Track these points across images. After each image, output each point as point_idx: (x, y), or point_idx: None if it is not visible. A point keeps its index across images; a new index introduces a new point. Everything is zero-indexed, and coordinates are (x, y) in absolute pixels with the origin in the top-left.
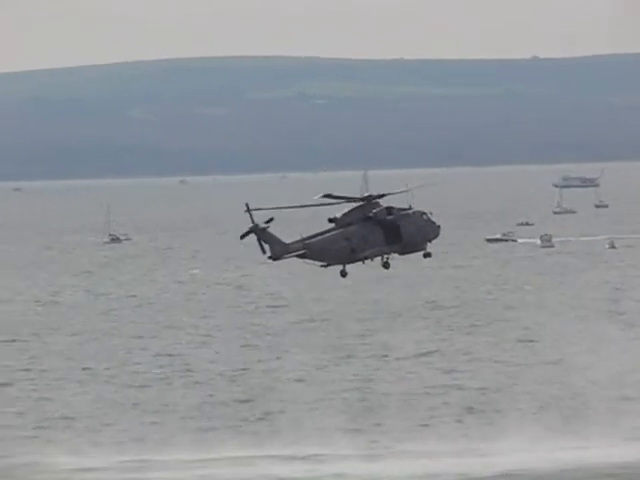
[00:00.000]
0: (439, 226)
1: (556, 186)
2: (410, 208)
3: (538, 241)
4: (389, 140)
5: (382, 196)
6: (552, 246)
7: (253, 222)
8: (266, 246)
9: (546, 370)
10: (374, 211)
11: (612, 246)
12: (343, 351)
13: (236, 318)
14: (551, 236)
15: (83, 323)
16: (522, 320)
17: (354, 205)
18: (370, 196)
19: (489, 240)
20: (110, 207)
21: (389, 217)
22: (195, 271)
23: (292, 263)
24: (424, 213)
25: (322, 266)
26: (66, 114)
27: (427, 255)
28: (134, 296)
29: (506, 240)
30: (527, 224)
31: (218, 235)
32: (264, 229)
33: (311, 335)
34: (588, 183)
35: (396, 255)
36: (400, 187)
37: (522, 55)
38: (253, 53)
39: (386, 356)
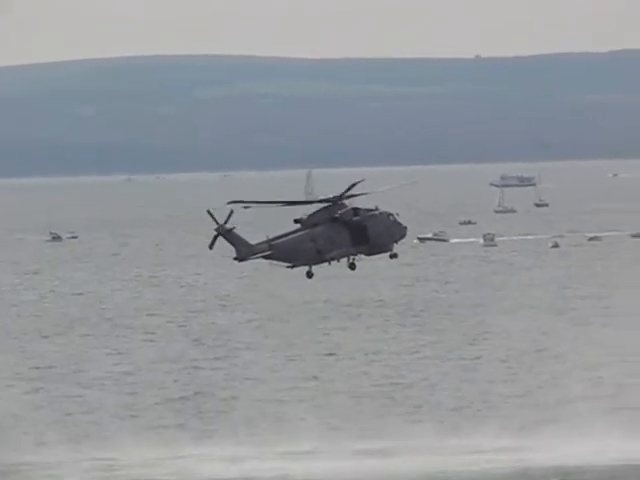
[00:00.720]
0: (405, 227)
1: (495, 185)
2: (376, 209)
3: (481, 240)
4: (337, 139)
5: (352, 196)
6: (495, 245)
7: (217, 223)
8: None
9: (495, 368)
10: (340, 212)
11: (555, 245)
12: (294, 349)
13: (185, 316)
14: (494, 235)
15: (30, 322)
16: (469, 318)
17: (320, 206)
18: (339, 196)
19: (420, 239)
20: (52, 205)
21: (355, 218)
22: (141, 269)
23: (245, 264)
24: (390, 214)
25: (288, 267)
26: (15, 112)
27: (393, 256)
28: (80, 294)
29: (437, 239)
30: (470, 223)
31: (168, 233)
32: (230, 230)
33: (262, 333)
34: (526, 182)
35: (362, 256)
36: (345, 186)
37: (465, 54)
38: (201, 52)
39: (335, 354)
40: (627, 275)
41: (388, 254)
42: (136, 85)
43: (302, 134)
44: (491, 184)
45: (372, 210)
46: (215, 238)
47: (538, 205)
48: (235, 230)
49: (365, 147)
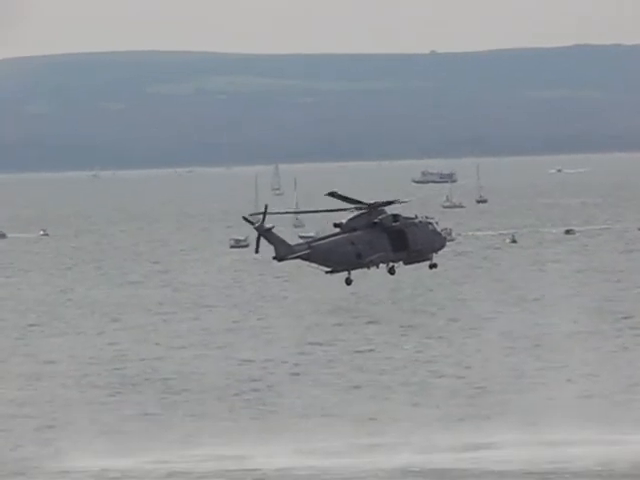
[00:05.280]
0: (445, 237)
1: (416, 182)
2: (416, 217)
3: None
4: (294, 134)
5: (389, 203)
6: (453, 239)
7: (252, 224)
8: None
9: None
10: (380, 217)
11: (513, 240)
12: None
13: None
14: (451, 229)
15: None
16: (444, 313)
17: (359, 211)
18: (375, 203)
19: None
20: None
21: (395, 223)
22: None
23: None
24: (430, 222)
25: (327, 272)
26: None
27: (433, 266)
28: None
29: None
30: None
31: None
32: (269, 229)
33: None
34: (446, 178)
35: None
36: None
37: (421, 50)
38: (153, 47)
39: None
40: None
41: (427, 264)
42: (85, 82)
43: (257, 130)
44: (413, 180)
45: (412, 218)
46: (259, 240)
47: (479, 201)
48: (274, 230)
49: (318, 143)
